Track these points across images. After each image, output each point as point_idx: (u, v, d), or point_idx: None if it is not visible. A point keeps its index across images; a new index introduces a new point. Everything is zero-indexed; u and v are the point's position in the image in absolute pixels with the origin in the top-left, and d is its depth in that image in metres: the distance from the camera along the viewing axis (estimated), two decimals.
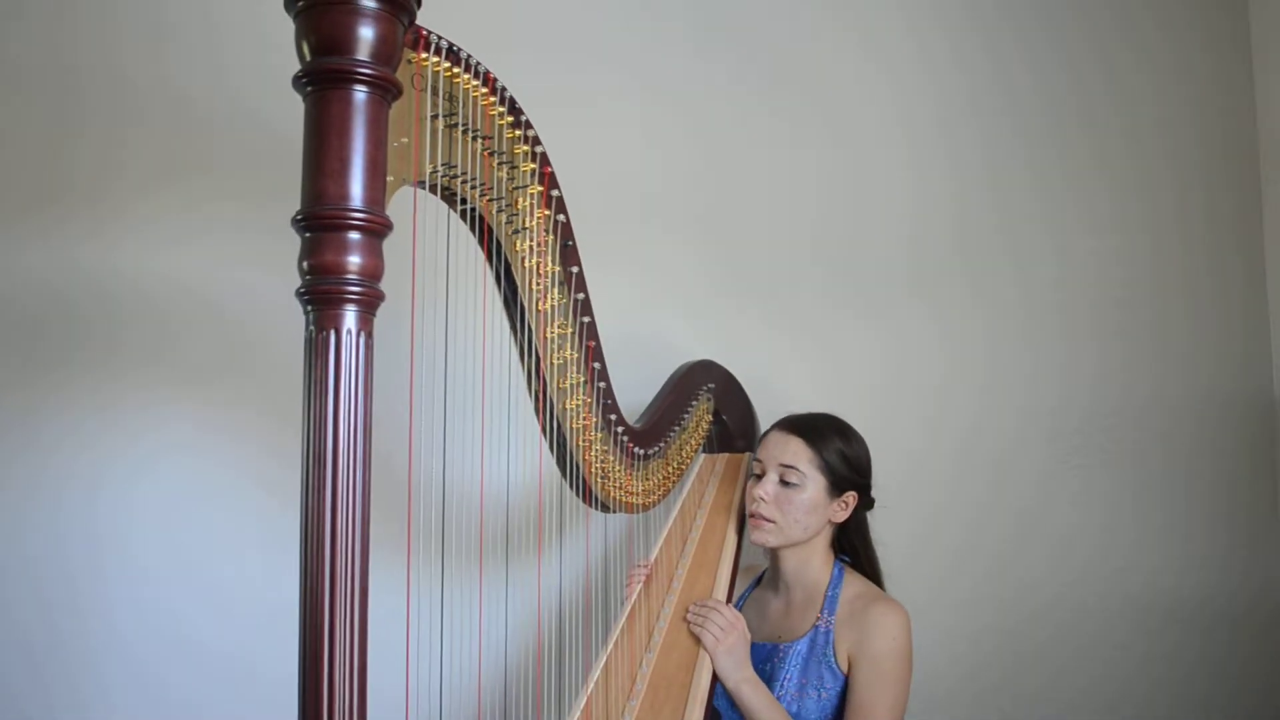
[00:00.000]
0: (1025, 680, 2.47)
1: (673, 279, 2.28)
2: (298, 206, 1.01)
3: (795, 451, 1.70)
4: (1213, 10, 2.83)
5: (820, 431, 1.72)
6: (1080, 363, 2.60)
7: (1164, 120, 2.75)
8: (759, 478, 1.73)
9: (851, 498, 1.72)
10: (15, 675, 1.83)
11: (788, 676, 1.62)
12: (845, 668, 1.60)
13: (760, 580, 1.85)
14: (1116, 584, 2.55)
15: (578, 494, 1.60)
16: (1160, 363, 2.66)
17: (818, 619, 1.65)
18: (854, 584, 1.70)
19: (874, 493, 1.77)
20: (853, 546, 1.76)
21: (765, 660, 1.66)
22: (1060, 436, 2.57)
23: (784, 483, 1.69)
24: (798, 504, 1.68)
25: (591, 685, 1.54)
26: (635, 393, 1.63)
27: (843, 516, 1.72)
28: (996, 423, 2.53)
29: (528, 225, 1.36)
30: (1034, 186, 2.63)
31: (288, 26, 1.04)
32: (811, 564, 1.72)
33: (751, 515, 1.72)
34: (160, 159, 1.97)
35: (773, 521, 1.69)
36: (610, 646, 1.63)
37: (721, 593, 1.70)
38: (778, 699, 1.59)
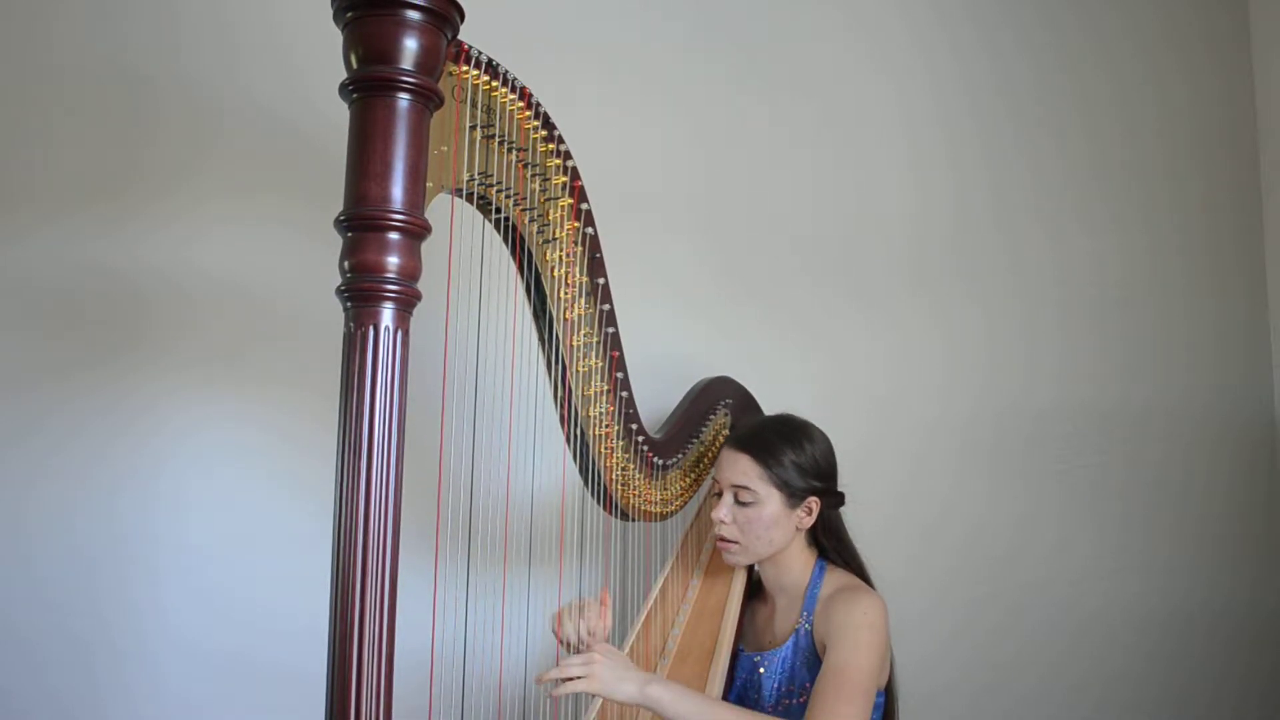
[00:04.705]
0: (1026, 681, 2.47)
1: (672, 279, 2.30)
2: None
3: (745, 470, 1.66)
4: (1213, 10, 2.86)
5: (768, 444, 1.67)
6: (1080, 363, 2.62)
7: (1164, 120, 2.77)
8: (718, 497, 1.71)
9: (814, 503, 1.68)
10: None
11: (776, 685, 1.62)
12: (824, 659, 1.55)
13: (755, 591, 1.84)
14: (1118, 586, 2.56)
15: (598, 501, 1.63)
16: (1160, 363, 2.67)
17: (798, 621, 1.65)
18: (834, 580, 1.67)
19: (843, 488, 1.73)
20: (825, 546, 1.73)
21: (751, 670, 1.67)
22: (1060, 437, 2.58)
23: (740, 502, 1.66)
24: (757, 522, 1.65)
25: None
26: (637, 393, 1.66)
27: (809, 523, 1.69)
28: (996, 423, 2.54)
29: (558, 236, 1.41)
30: (1034, 186, 2.65)
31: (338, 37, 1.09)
32: (790, 569, 1.70)
33: (716, 538, 1.71)
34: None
35: (737, 542, 1.68)
36: (625, 652, 1.65)
37: (735, 603, 1.72)
38: (770, 707, 1.61)
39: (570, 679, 1.39)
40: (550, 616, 1.57)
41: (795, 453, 1.67)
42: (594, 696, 1.54)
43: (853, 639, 1.50)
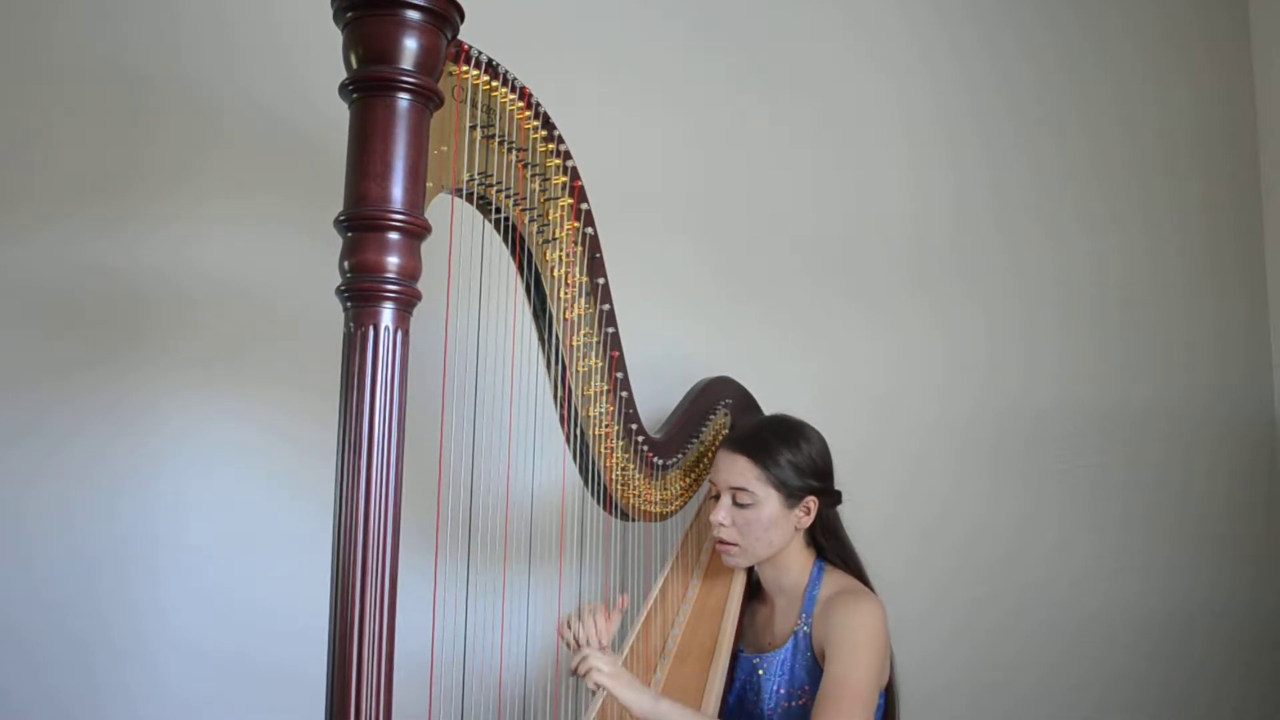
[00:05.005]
0: (1026, 681, 2.47)
1: (672, 279, 2.30)
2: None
3: (742, 471, 1.66)
4: (1213, 10, 2.86)
5: (765, 445, 1.67)
6: (1080, 363, 2.62)
7: (1164, 120, 2.77)
8: (716, 500, 1.71)
9: (812, 503, 1.68)
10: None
11: (775, 687, 1.62)
12: (823, 664, 1.56)
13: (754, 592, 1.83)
14: (1118, 585, 2.55)
15: (598, 501, 1.64)
16: (1160, 363, 2.67)
17: (797, 622, 1.65)
18: (832, 581, 1.67)
19: (842, 488, 1.73)
20: (823, 545, 1.73)
21: (750, 672, 1.66)
22: (1060, 437, 2.58)
23: (738, 504, 1.66)
24: (756, 523, 1.65)
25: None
26: (637, 393, 1.66)
27: (808, 523, 1.69)
28: (996, 423, 2.54)
29: (558, 236, 1.41)
30: (1034, 186, 2.65)
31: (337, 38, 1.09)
32: (789, 570, 1.71)
33: (715, 540, 1.71)
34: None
35: (736, 545, 1.68)
36: (625, 652, 1.65)
37: (735, 603, 1.72)
38: (769, 710, 1.61)
39: (595, 670, 1.43)
40: (560, 620, 1.58)
41: (792, 452, 1.67)
42: (594, 695, 1.54)
43: (851, 649, 1.51)
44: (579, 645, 1.56)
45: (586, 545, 1.81)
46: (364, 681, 1.02)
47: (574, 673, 1.45)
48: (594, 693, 1.53)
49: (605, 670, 1.44)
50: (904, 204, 2.55)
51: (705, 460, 1.89)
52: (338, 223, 1.07)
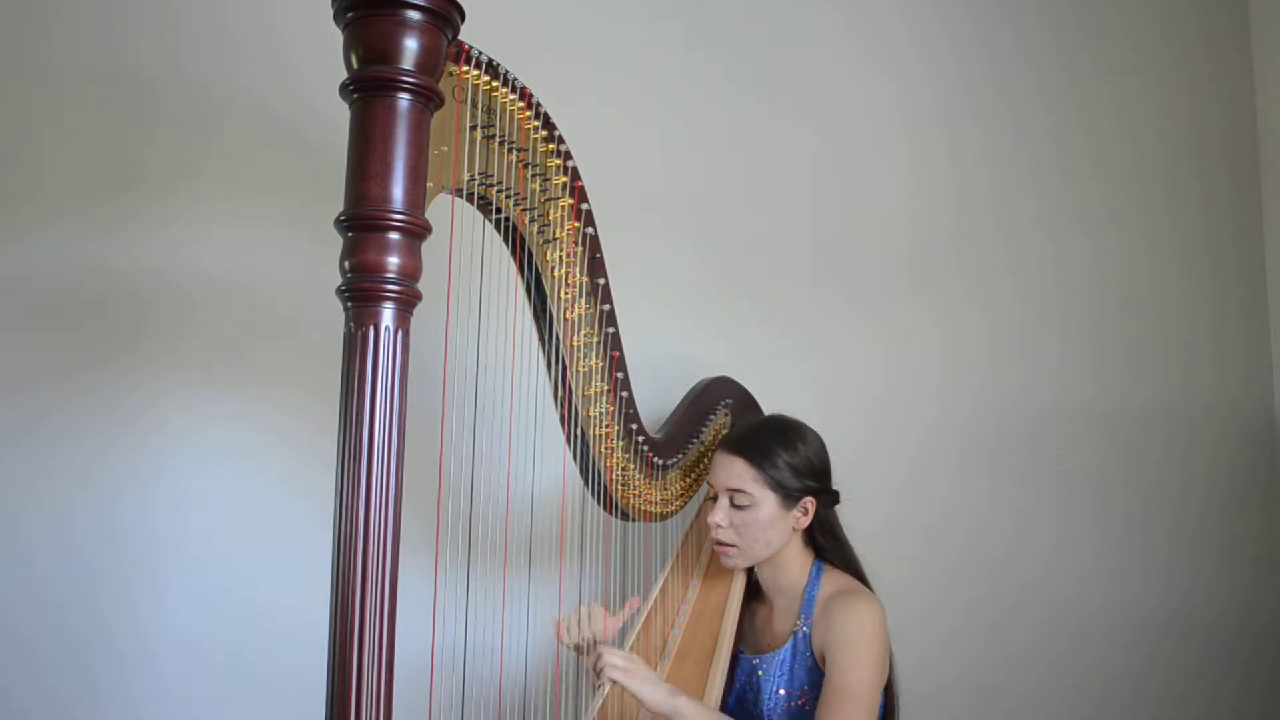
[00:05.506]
0: (1026, 681, 2.47)
1: (672, 279, 2.30)
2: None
3: (739, 473, 1.66)
4: (1213, 10, 2.86)
5: (762, 446, 1.67)
6: (1080, 363, 2.62)
7: (1164, 120, 2.77)
8: (713, 501, 1.71)
9: (810, 503, 1.68)
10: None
11: (775, 688, 1.62)
12: (823, 665, 1.57)
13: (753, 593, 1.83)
14: (1118, 585, 2.56)
15: (598, 501, 1.63)
16: (1160, 363, 2.67)
17: (796, 623, 1.65)
18: (831, 582, 1.67)
19: (842, 488, 1.73)
20: (822, 545, 1.72)
21: (750, 673, 1.66)
22: (1060, 437, 2.58)
23: (736, 505, 1.66)
24: (754, 524, 1.65)
25: (608, 689, 1.57)
26: (637, 393, 1.66)
27: (805, 523, 1.69)
28: (996, 423, 2.54)
29: (558, 236, 1.41)
30: (1034, 186, 2.65)
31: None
32: (788, 571, 1.70)
33: (714, 542, 1.71)
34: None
35: (734, 546, 1.68)
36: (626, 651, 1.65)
37: (735, 603, 1.72)
38: (769, 710, 1.61)
39: (610, 666, 1.44)
40: (551, 621, 1.58)
41: (789, 453, 1.67)
42: (594, 696, 1.54)
43: (852, 651, 1.52)
44: (580, 648, 1.56)
45: (587, 546, 1.81)
46: (364, 687, 1.01)
47: (595, 670, 1.46)
48: (598, 689, 1.53)
49: (620, 665, 1.45)
50: (904, 204, 2.55)
51: (705, 460, 1.89)
52: (338, 223, 1.07)
